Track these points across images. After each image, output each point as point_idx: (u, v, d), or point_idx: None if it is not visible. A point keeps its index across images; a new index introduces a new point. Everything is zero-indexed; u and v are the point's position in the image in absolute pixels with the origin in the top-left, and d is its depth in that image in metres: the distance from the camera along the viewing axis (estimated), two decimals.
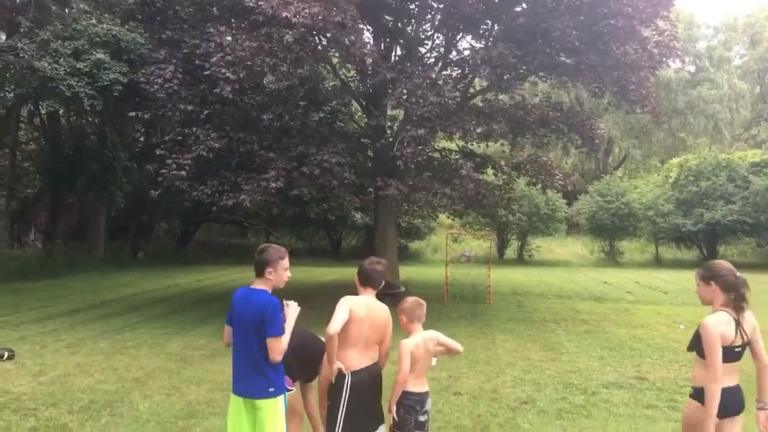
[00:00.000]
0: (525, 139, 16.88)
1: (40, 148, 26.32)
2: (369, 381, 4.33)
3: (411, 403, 4.49)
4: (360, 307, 4.26)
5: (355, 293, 4.41)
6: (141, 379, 7.78)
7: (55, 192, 24.99)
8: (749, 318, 3.85)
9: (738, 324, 3.80)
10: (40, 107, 22.29)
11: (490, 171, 18.04)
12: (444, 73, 15.52)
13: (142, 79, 12.78)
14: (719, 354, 3.70)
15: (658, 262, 31.14)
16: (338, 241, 31.77)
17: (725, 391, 3.76)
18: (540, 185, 17.63)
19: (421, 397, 4.54)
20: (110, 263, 22.90)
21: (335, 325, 4.12)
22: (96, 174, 20.72)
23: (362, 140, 16.20)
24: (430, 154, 14.46)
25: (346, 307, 4.20)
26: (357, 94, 15.94)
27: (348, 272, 22.35)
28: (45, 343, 9.88)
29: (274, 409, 4.00)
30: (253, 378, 3.95)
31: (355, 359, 4.25)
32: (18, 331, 10.83)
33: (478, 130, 15.91)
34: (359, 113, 17.66)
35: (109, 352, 9.36)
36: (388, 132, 15.20)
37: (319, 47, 13.53)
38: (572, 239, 34.32)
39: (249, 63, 11.73)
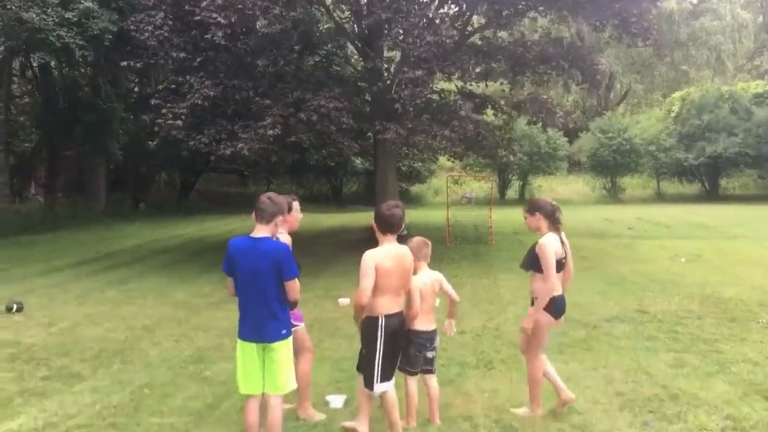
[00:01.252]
0: (525, 77, 16.60)
1: (35, 102, 26.02)
2: (400, 326, 4.42)
3: (421, 342, 4.66)
4: (385, 260, 4.27)
5: (367, 238, 4.43)
6: (149, 328, 7.90)
7: (52, 145, 24.85)
8: (564, 237, 4.86)
9: (562, 242, 4.80)
10: (32, 59, 21.94)
11: (489, 111, 17.83)
12: (441, 11, 15.15)
13: (132, 27, 12.49)
14: (554, 267, 4.67)
15: (659, 198, 31.16)
16: (339, 187, 31.75)
17: (559, 299, 4.77)
18: (540, 124, 17.48)
19: (430, 335, 4.71)
20: (112, 215, 22.96)
21: (365, 295, 4.19)
22: (92, 126, 20.52)
23: (359, 84, 15.94)
24: (428, 95, 14.26)
25: (371, 269, 4.20)
26: (352, 36, 15.61)
27: (350, 218, 22.44)
28: (52, 295, 10.01)
29: (287, 349, 4.16)
30: (268, 323, 4.06)
31: (387, 305, 4.31)
32: (25, 283, 10.95)
33: (477, 70, 15.63)
34: (355, 56, 17.33)
35: (117, 302, 9.49)
36: (385, 74, 14.95)
37: None
38: (574, 177, 34.25)
39: (240, 6, 11.46)
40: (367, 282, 4.19)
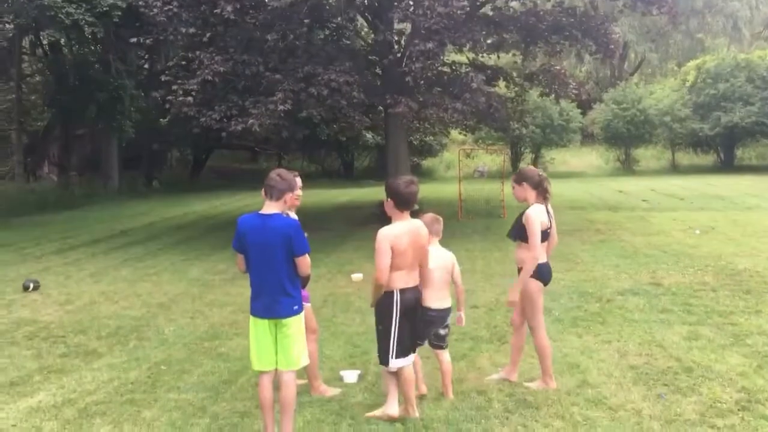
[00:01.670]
0: (537, 48, 16.33)
1: (46, 80, 26.06)
2: (414, 301, 4.40)
3: (431, 319, 4.65)
4: (401, 237, 4.24)
5: (380, 213, 4.41)
6: (165, 305, 7.99)
7: (65, 124, 24.93)
8: (550, 208, 4.93)
9: (548, 212, 4.87)
10: (42, 37, 21.91)
11: (501, 83, 17.61)
12: None
13: (140, 2, 12.42)
14: (539, 237, 4.73)
15: (674, 169, 30.81)
16: (351, 162, 31.66)
17: (545, 266, 4.87)
18: (553, 95, 17.23)
19: (442, 314, 4.70)
20: (126, 193, 23.11)
21: (383, 275, 4.19)
22: (103, 104, 20.56)
23: (370, 57, 15.78)
24: (439, 68, 14.09)
25: (387, 248, 4.18)
26: (362, 8, 15.36)
27: (362, 193, 22.41)
28: (69, 273, 10.12)
29: (299, 325, 4.17)
30: (279, 299, 4.07)
31: (402, 280, 4.30)
32: (41, 262, 11.09)
33: (489, 41, 15.40)
34: (365, 29, 17.14)
35: (132, 279, 9.58)
36: (396, 47, 14.78)
37: None
38: (587, 149, 33.88)
39: None
40: (383, 261, 4.17)
